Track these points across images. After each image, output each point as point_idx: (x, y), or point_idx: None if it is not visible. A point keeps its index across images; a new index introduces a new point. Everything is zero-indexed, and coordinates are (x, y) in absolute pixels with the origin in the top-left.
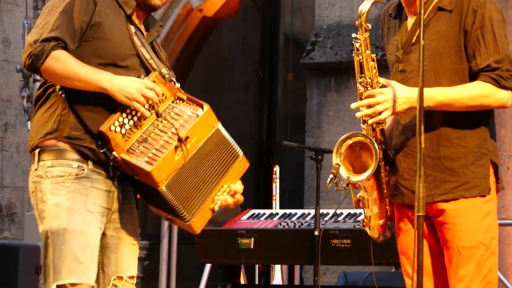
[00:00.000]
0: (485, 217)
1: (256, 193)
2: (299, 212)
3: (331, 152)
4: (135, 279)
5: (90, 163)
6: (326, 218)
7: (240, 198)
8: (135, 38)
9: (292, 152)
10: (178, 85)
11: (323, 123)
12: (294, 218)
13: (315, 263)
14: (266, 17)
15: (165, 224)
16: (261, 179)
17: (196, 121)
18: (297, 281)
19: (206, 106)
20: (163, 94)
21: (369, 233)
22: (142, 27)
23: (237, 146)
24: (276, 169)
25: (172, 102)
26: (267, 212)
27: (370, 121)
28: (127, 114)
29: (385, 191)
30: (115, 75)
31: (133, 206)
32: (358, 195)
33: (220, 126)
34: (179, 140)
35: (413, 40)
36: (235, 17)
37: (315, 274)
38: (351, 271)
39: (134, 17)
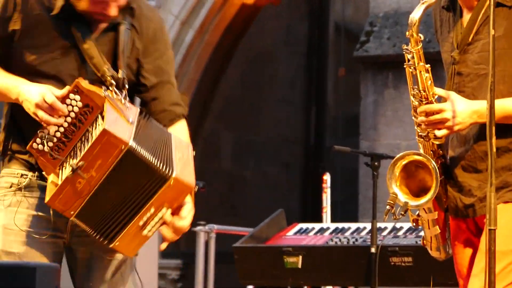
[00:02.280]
0: None
1: (304, 205)
2: (353, 226)
3: (389, 157)
4: None
5: (36, 173)
6: (384, 233)
7: (180, 225)
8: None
9: (345, 158)
10: (123, 93)
11: (379, 125)
12: (347, 233)
13: (372, 284)
14: (314, 4)
15: (201, 240)
16: (309, 189)
17: (89, 145)
18: None
19: (102, 126)
20: (88, 105)
21: (431, 253)
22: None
23: (164, 167)
24: (327, 177)
25: (100, 114)
26: (317, 226)
27: (438, 133)
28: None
29: (446, 206)
30: (28, 83)
31: None
32: (416, 214)
33: (132, 144)
34: (73, 168)
35: (470, 39)
36: (279, 5)
37: None
38: None
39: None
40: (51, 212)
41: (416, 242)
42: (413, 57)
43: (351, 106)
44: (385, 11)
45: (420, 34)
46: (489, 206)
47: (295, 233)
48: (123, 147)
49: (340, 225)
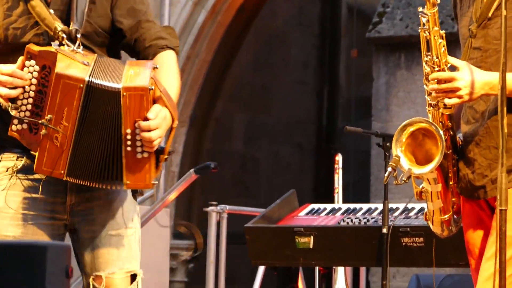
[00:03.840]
0: None
1: (316, 186)
2: (365, 206)
3: None
4: (128, 273)
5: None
6: (396, 214)
7: (151, 131)
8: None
9: (357, 139)
10: (75, 44)
11: (391, 106)
12: (359, 214)
13: (383, 265)
14: None
15: (212, 221)
16: (322, 169)
17: (50, 95)
18: (362, 286)
19: (56, 70)
20: (45, 66)
21: (432, 228)
22: None
23: (113, 84)
24: (339, 158)
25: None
26: (329, 207)
27: (448, 101)
28: (21, 105)
29: (452, 183)
30: None
31: (108, 192)
32: (420, 186)
33: (88, 79)
34: (44, 125)
35: (490, 14)
36: None
37: (384, 277)
38: (424, 274)
39: None
40: (47, 193)
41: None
42: (428, 21)
43: (364, 87)
44: None
45: (435, 10)
46: (500, 186)
47: (307, 214)
48: (81, 85)
49: (352, 205)
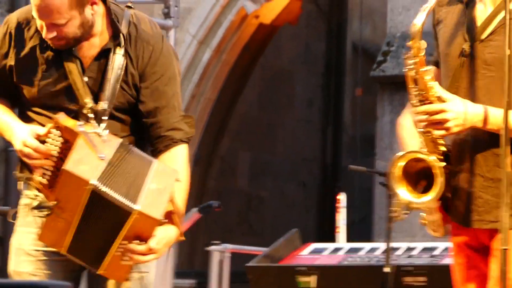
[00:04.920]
0: None
1: (321, 224)
2: (368, 246)
3: None
4: None
5: None
6: (399, 253)
7: (140, 254)
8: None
9: (361, 177)
10: (102, 127)
11: (395, 144)
12: (361, 253)
13: None
14: (332, 23)
15: (215, 260)
16: (326, 208)
17: (60, 182)
18: None
19: (64, 166)
20: (68, 141)
21: (428, 231)
22: (85, 48)
23: (125, 201)
24: (341, 197)
25: None
26: (331, 246)
27: (436, 133)
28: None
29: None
30: (18, 125)
31: None
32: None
33: (95, 182)
34: (49, 208)
35: (483, 36)
36: (297, 24)
37: None
38: None
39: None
40: None
41: (431, 261)
42: (415, 63)
43: (368, 125)
44: (402, 31)
45: (423, 41)
46: (504, 225)
47: (310, 253)
48: (87, 188)
49: (355, 245)
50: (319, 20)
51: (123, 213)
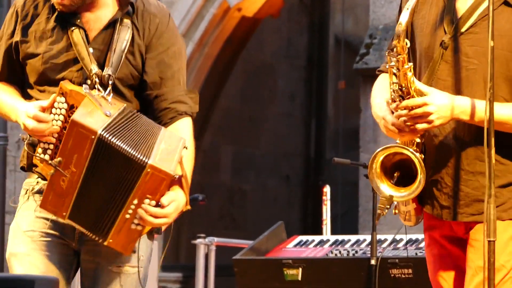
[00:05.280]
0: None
1: (304, 218)
2: (353, 238)
3: None
4: None
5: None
6: (384, 245)
7: (155, 217)
8: (76, 40)
9: (345, 170)
10: (107, 90)
11: (379, 137)
12: (347, 245)
13: None
14: (314, 17)
15: (201, 253)
16: (310, 201)
17: (63, 139)
18: None
19: (72, 117)
20: (73, 106)
21: (401, 221)
22: (91, 19)
23: (139, 156)
24: (326, 190)
25: None
26: (317, 238)
27: (419, 127)
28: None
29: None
30: (21, 104)
31: None
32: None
33: (102, 133)
34: (53, 165)
35: (463, 29)
36: (279, 17)
37: None
38: None
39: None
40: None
41: (416, 254)
42: (397, 61)
43: (351, 118)
44: (385, 23)
45: (406, 40)
46: (489, 217)
47: (295, 246)
48: (93, 137)
49: (340, 237)
50: (301, 13)
51: (134, 167)
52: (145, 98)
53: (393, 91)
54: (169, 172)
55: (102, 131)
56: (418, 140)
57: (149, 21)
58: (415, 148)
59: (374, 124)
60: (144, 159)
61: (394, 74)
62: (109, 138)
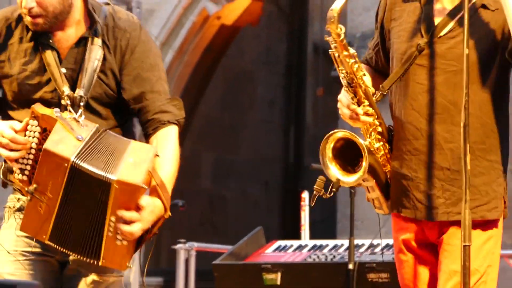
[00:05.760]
0: (487, 242)
1: (283, 223)
2: (331, 243)
3: None
4: None
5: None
6: (362, 250)
7: (131, 226)
8: (48, 61)
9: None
10: (78, 112)
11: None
12: (325, 250)
13: None
14: (293, 24)
15: (181, 258)
16: (288, 207)
17: (37, 167)
18: None
19: (44, 146)
20: (46, 129)
21: (374, 209)
22: (61, 38)
23: (103, 173)
24: (305, 195)
25: None
26: (295, 243)
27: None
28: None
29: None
30: None
31: None
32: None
33: (74, 160)
34: (29, 192)
35: (441, 34)
36: (258, 25)
37: None
38: None
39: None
40: None
41: (393, 258)
42: (336, 48)
43: (330, 125)
44: (362, 31)
45: (340, 26)
46: (464, 222)
47: (274, 250)
48: (66, 164)
49: (318, 242)
50: (280, 21)
51: (103, 186)
52: (130, 112)
53: (342, 78)
54: (137, 184)
55: (74, 158)
56: (380, 129)
57: (120, 37)
58: (377, 137)
59: (352, 131)
60: (109, 176)
61: (335, 59)
62: (81, 164)
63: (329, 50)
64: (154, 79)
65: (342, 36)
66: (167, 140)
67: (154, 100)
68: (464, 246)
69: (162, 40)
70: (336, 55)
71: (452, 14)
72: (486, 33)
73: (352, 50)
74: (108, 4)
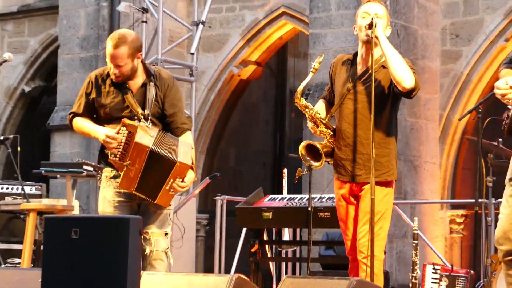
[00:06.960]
0: (386, 196)
1: (273, 185)
2: (299, 196)
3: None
4: (159, 234)
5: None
6: (316, 200)
7: (181, 188)
8: (127, 96)
9: (296, 161)
10: (147, 122)
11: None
12: (296, 200)
13: (309, 227)
14: (278, 78)
15: (218, 204)
16: (276, 177)
17: (130, 151)
18: (298, 238)
19: (135, 140)
20: (131, 132)
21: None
22: (132, 84)
23: (172, 157)
24: (285, 171)
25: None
26: (280, 196)
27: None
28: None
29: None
30: (99, 128)
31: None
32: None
33: (152, 147)
34: (125, 165)
35: (360, 81)
36: (259, 79)
37: (309, 233)
38: (331, 231)
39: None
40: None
41: (332, 204)
42: (300, 107)
43: (300, 133)
44: (316, 83)
45: (301, 98)
46: (372, 184)
47: (268, 200)
48: (147, 149)
49: (292, 195)
50: (271, 76)
51: (170, 163)
52: (166, 122)
53: (307, 117)
54: (188, 164)
55: (152, 146)
56: (331, 133)
57: (163, 83)
58: (330, 140)
59: (310, 134)
60: (175, 158)
61: (301, 110)
62: (155, 149)
63: (295, 105)
64: (180, 106)
65: (303, 102)
66: (190, 139)
67: (180, 116)
68: (372, 198)
69: (208, 87)
70: (301, 109)
71: (365, 71)
72: (383, 80)
73: (309, 105)
74: (153, 65)
